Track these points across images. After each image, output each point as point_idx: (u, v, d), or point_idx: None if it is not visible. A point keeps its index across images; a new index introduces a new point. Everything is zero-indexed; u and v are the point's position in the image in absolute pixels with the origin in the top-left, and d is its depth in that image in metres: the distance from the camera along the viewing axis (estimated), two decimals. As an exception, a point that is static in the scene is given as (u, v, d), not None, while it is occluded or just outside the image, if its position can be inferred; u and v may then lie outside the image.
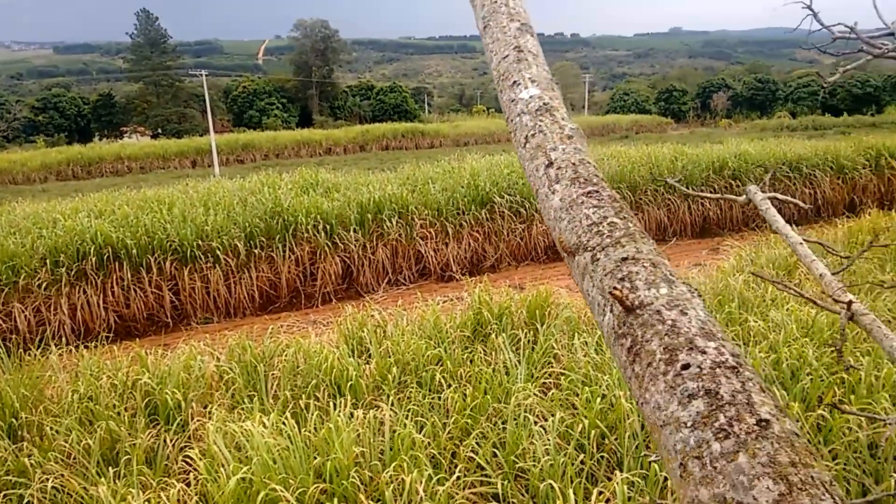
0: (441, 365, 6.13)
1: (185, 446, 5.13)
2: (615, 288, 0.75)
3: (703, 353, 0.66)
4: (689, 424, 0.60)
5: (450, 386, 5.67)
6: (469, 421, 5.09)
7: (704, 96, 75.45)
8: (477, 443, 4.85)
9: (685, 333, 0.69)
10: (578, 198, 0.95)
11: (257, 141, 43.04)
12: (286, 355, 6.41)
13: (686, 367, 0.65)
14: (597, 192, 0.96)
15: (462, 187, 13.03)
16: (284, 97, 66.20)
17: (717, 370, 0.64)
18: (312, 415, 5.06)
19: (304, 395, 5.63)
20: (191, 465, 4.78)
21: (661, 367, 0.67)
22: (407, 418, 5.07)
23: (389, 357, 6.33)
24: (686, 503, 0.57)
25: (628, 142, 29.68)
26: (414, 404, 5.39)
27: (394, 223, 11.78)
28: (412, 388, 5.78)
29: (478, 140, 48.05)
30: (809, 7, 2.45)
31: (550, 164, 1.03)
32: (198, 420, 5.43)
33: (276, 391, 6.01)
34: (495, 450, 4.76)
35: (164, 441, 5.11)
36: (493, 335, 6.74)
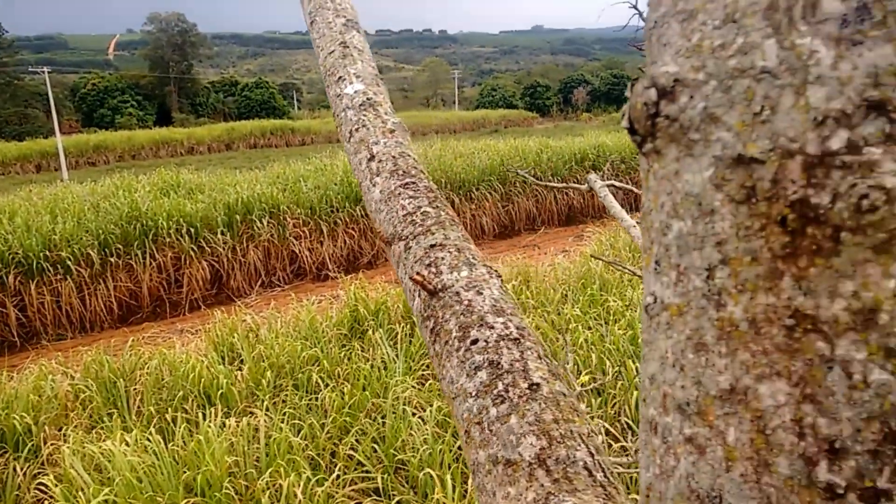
0: (318, 365, 6.05)
1: (39, 473, 4.75)
2: (418, 273, 0.78)
3: (492, 328, 0.71)
4: (473, 394, 0.65)
5: (327, 385, 5.62)
6: (348, 419, 5.07)
7: (566, 91, 79.22)
8: (356, 440, 4.84)
9: (478, 311, 0.73)
10: (396, 189, 0.98)
11: (110, 141, 39.97)
12: (149, 368, 6.06)
13: (475, 342, 0.70)
14: (414, 183, 0.99)
15: (335, 184, 12.86)
16: (139, 94, 62.00)
17: (501, 342, 0.69)
18: (180, 428, 4.83)
19: (170, 409, 5.37)
20: (46, 493, 4.43)
21: (455, 343, 0.71)
22: (283, 422, 4.97)
23: (263, 361, 6.17)
24: (470, 466, 0.62)
25: (498, 136, 30.58)
26: (290, 407, 5.29)
27: (265, 223, 11.42)
28: (288, 391, 5.67)
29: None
30: (635, 6, 2.66)
31: (372, 157, 1.05)
32: (52, 444, 5.03)
33: (139, 406, 5.68)
34: (375, 445, 4.77)
35: (14, 470, 4.70)
36: (371, 331, 6.74)
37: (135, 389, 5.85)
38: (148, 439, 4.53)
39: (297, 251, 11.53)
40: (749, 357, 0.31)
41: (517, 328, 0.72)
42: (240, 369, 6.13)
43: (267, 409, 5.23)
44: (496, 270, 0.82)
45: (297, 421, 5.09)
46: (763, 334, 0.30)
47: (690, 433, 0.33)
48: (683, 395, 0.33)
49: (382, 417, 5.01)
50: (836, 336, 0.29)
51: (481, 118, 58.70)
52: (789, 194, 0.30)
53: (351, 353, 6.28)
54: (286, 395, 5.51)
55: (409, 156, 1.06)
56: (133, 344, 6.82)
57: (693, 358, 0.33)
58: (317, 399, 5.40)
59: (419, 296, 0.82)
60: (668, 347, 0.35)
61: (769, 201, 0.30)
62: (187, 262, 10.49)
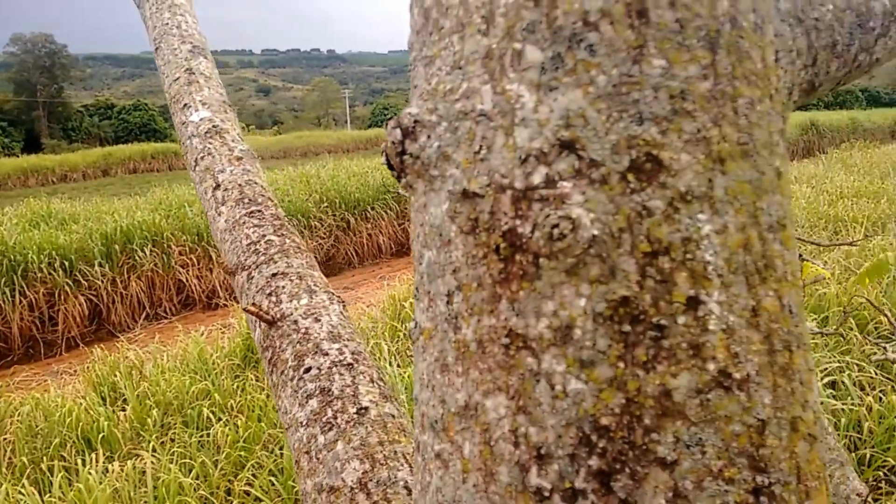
0: (209, 399, 5.80)
1: None
2: (252, 304, 0.78)
3: (326, 354, 0.72)
4: (304, 423, 0.65)
5: (220, 420, 5.39)
6: (243, 453, 4.87)
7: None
8: (253, 474, 4.66)
9: (314, 339, 0.74)
10: (241, 218, 0.97)
11: (-29, 172, 36.68)
12: (20, 415, 5.58)
13: (308, 370, 0.70)
14: (259, 211, 0.99)
15: (222, 209, 12.40)
16: (4, 120, 57.39)
17: (334, 369, 0.70)
18: (57, 477, 4.48)
19: (45, 457, 4.97)
20: None
21: (290, 373, 0.71)
22: (172, 462, 4.73)
23: (149, 399, 5.84)
24: (301, 497, 0.62)
25: (391, 153, 30.56)
26: (179, 446, 5.03)
27: (147, 252, 10.83)
28: (177, 428, 5.39)
29: (241, 158, 45.99)
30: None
31: (218, 186, 1.04)
32: None
33: (10, 458, 5.21)
34: (272, 478, 4.61)
35: None
36: (264, 359, 6.54)
37: (5, 440, 5.37)
38: (21, 492, 4.17)
39: (185, 280, 11.00)
40: (478, 375, 0.34)
41: (352, 353, 0.73)
42: (123, 409, 5.78)
43: (154, 450, 4.94)
44: (338, 296, 0.83)
45: (187, 460, 4.84)
46: (487, 353, 0.33)
47: (439, 449, 0.35)
48: (434, 413, 0.36)
49: (280, 448, 4.85)
50: (541, 352, 0.32)
51: (374, 137, 58.52)
52: (502, 225, 0.33)
53: (245, 383, 6.05)
54: (175, 433, 5.23)
55: (256, 183, 1.06)
56: (2, 390, 6.26)
57: (440, 378, 0.36)
58: (208, 435, 5.15)
59: (259, 326, 0.82)
60: (424, 369, 0.37)
61: (488, 232, 0.33)
62: (62, 297, 9.78)
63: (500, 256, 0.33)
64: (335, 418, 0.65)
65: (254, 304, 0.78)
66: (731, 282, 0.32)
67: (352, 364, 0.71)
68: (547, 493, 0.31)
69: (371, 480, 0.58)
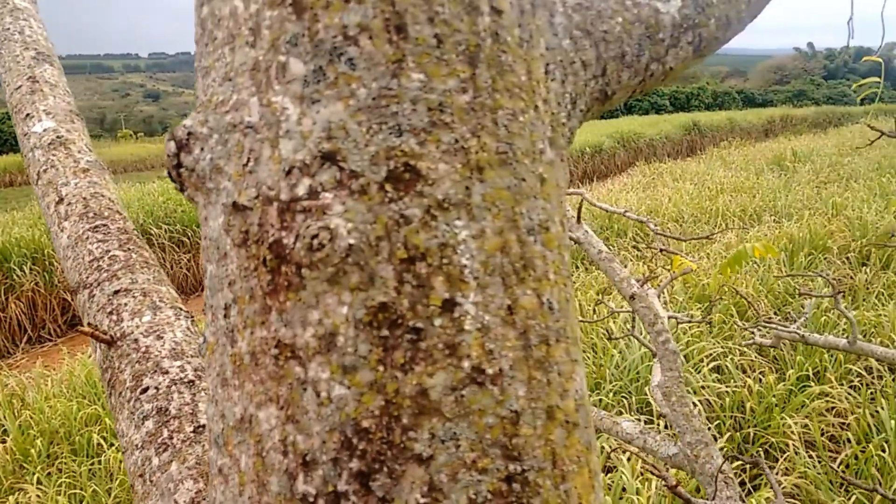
0: (100, 424, 5.48)
1: None
2: (88, 324, 0.74)
3: (166, 373, 0.69)
4: (139, 445, 0.63)
5: (112, 445, 5.11)
6: (137, 477, 4.65)
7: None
8: (149, 499, 4.45)
9: (155, 357, 0.71)
10: (84, 234, 0.93)
11: None
12: None
13: (145, 390, 0.68)
14: (105, 225, 0.94)
15: (111, 222, 11.72)
16: None
17: (174, 388, 0.67)
18: (-74, 522, 4.11)
19: (-89, 503, 4.54)
20: None
21: (127, 394, 0.69)
22: (60, 494, 4.45)
23: (32, 428, 5.45)
24: (132, 523, 0.60)
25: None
26: (67, 476, 4.74)
27: (27, 271, 10.09)
28: (65, 458, 5.06)
29: (127, 168, 43.33)
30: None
31: (61, 200, 0.99)
32: None
33: None
34: (170, 501, 4.42)
35: None
36: (160, 378, 6.24)
37: None
38: None
39: (69, 299, 10.32)
40: (252, 387, 0.34)
41: (195, 370, 0.71)
42: (3, 441, 5.38)
43: (39, 482, 4.65)
44: (186, 311, 0.81)
45: (77, 490, 4.58)
46: (260, 365, 0.34)
47: (220, 464, 0.35)
48: (217, 428, 0.36)
49: (177, 469, 4.66)
50: (308, 360, 0.33)
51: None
52: (269, 237, 0.33)
53: (138, 404, 5.77)
54: (62, 462, 4.92)
55: (103, 196, 1.01)
56: None
57: (221, 392, 0.36)
58: (100, 462, 4.88)
59: (100, 347, 0.78)
60: (210, 384, 0.37)
61: (257, 244, 0.34)
62: (-73, 325, 8.94)
63: (267, 268, 0.33)
64: (171, 438, 0.63)
65: (90, 324, 0.75)
66: (488, 283, 0.33)
67: (193, 381, 0.70)
68: (312, 499, 0.32)
69: (205, 499, 0.56)
